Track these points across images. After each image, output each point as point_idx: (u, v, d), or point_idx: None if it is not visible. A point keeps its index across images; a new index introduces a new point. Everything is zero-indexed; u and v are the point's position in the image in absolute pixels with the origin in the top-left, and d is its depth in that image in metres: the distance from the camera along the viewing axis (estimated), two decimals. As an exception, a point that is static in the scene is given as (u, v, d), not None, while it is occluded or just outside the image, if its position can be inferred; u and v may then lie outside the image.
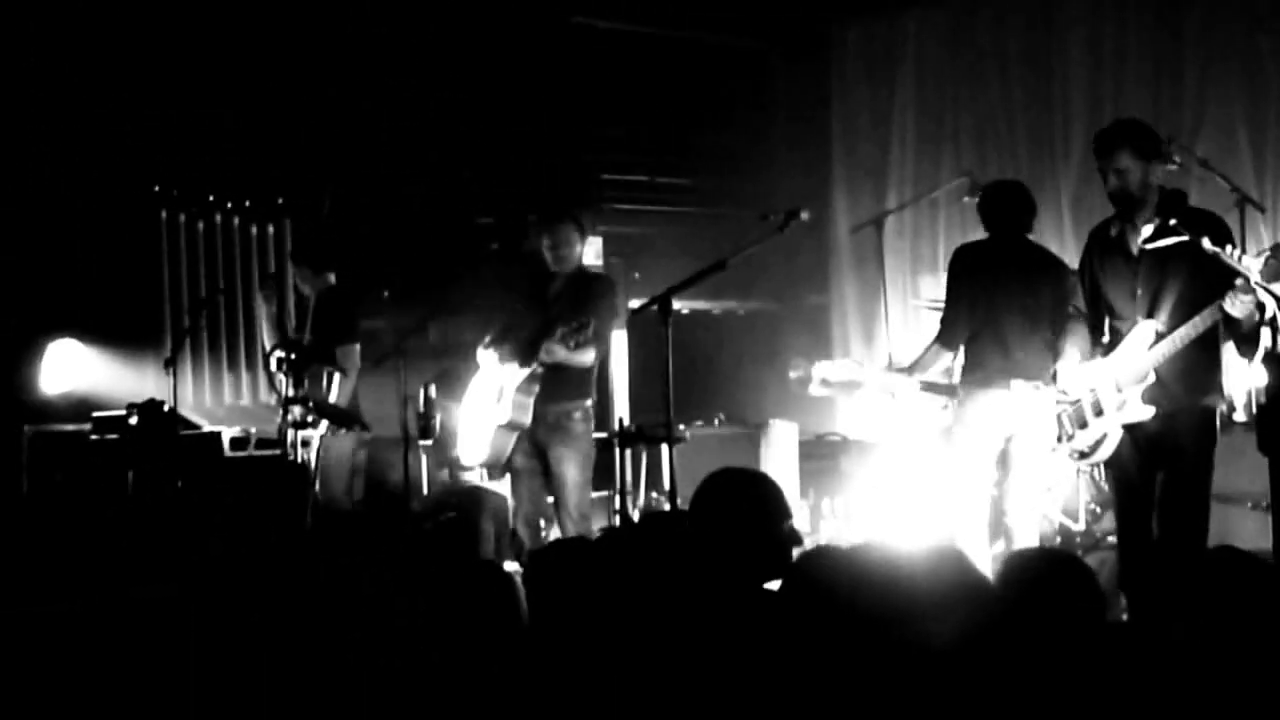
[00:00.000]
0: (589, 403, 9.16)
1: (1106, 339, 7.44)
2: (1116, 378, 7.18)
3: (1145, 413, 7.09)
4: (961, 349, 8.55)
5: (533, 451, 9.11)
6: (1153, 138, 7.29)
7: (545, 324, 8.97)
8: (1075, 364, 7.49)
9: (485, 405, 9.23)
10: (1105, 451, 7.31)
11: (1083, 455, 7.48)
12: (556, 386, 8.98)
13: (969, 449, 8.52)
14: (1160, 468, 7.11)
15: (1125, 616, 6.87)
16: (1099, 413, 7.28)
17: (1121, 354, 7.18)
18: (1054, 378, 7.66)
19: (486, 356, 9.39)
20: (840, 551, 3.76)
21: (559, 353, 8.79)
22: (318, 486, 9.56)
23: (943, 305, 8.84)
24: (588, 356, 8.94)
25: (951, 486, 8.94)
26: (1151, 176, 7.14)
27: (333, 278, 10.43)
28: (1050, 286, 8.55)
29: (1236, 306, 6.62)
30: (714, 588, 4.53)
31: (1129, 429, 7.19)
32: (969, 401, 8.48)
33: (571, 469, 9.01)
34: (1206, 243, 6.68)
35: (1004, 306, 8.48)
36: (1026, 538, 8.52)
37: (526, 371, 8.98)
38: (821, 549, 3.80)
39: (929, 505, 9.81)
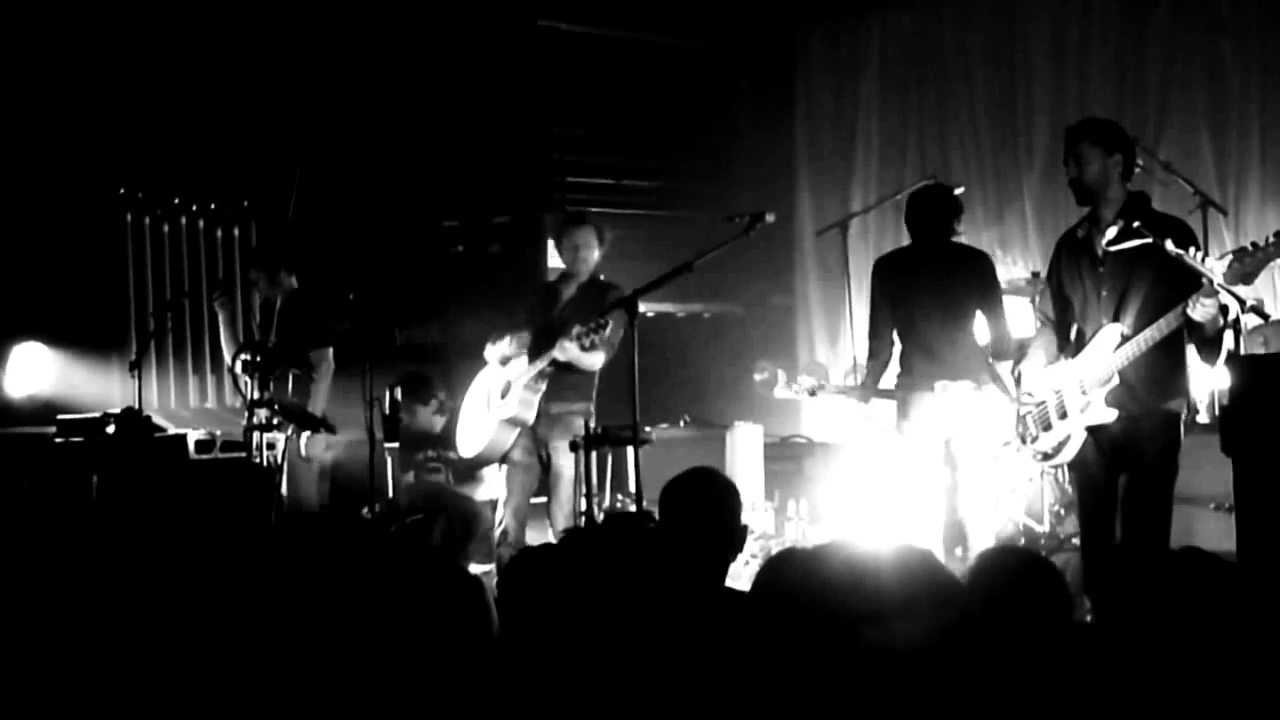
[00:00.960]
0: (591, 407, 9.29)
1: (1073, 341, 7.47)
2: (1081, 380, 7.18)
3: (1109, 415, 7.10)
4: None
5: (532, 447, 9.24)
6: (1117, 132, 7.34)
7: (558, 323, 9.08)
8: (1040, 366, 7.50)
9: (489, 399, 9.29)
10: (1069, 453, 7.31)
11: (1046, 457, 7.48)
12: (562, 387, 9.14)
13: (913, 453, 8.73)
14: (1123, 470, 7.11)
15: (1090, 618, 6.91)
16: (1063, 415, 7.28)
17: (1086, 356, 7.19)
18: (1018, 379, 7.67)
19: (493, 352, 9.49)
20: (806, 552, 3.77)
21: (572, 350, 8.88)
22: (284, 489, 9.55)
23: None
24: (597, 359, 9.06)
25: (903, 491, 9.03)
26: (1112, 171, 7.18)
27: (294, 281, 10.40)
28: (969, 281, 8.70)
29: (1199, 311, 6.64)
30: (679, 582, 4.69)
31: (1092, 431, 7.20)
32: (904, 406, 8.68)
33: (569, 464, 9.10)
34: (1170, 245, 6.70)
35: (922, 309, 8.69)
36: (982, 537, 8.60)
37: (536, 369, 9.10)
38: (787, 551, 3.81)
39: (893, 506, 9.85)
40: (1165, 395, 7.06)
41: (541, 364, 9.05)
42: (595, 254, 9.37)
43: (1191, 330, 6.82)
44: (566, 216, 9.82)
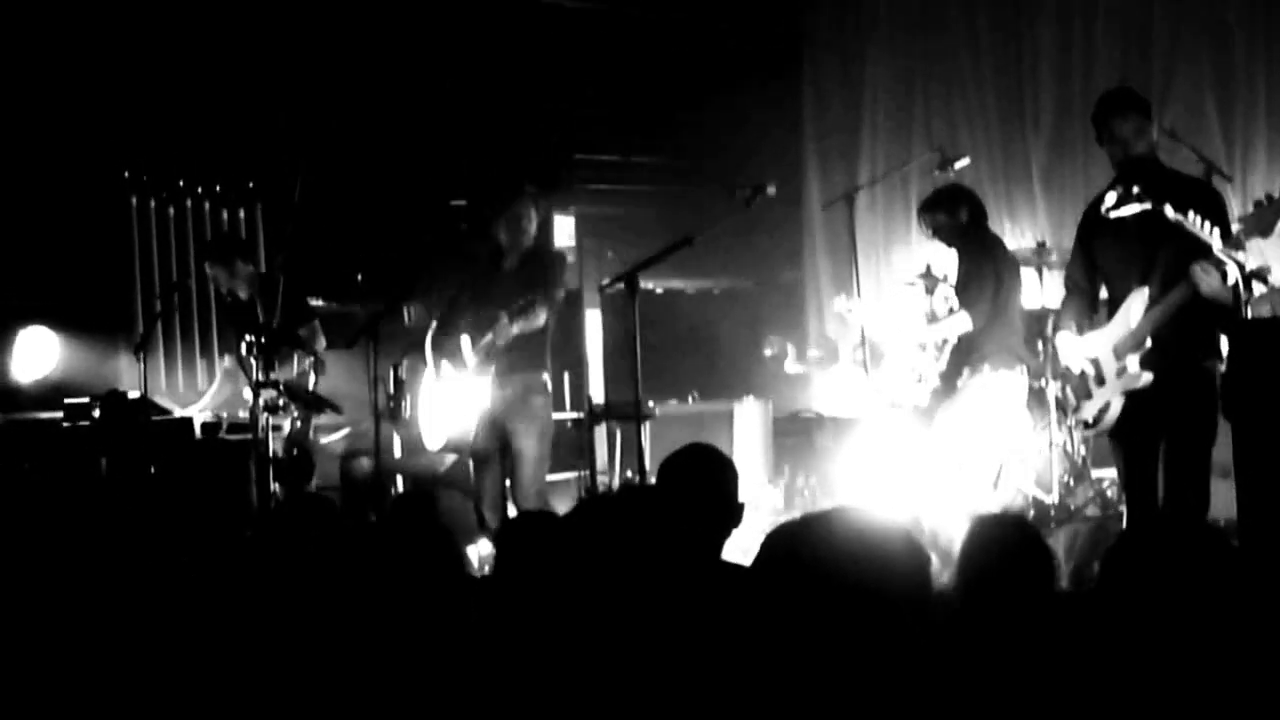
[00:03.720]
0: (545, 375, 9.15)
1: (1106, 308, 7.45)
2: (1115, 346, 7.17)
3: (1145, 378, 7.07)
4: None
5: (493, 433, 9.11)
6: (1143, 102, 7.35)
7: (495, 305, 8.97)
8: (1073, 336, 7.49)
9: (443, 389, 9.21)
10: (1109, 419, 7.29)
11: (1088, 425, 7.45)
12: (513, 360, 8.96)
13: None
14: (1163, 433, 7.09)
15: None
16: (1101, 381, 7.27)
17: (1118, 322, 7.18)
18: (1053, 351, 7.71)
19: (437, 343, 9.40)
20: (805, 519, 3.76)
21: (509, 332, 8.76)
22: (283, 471, 9.56)
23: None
24: (539, 319, 8.90)
25: (910, 463, 9.15)
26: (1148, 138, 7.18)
27: (251, 268, 10.42)
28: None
29: (1204, 282, 6.62)
30: (676, 555, 4.69)
31: (1130, 396, 7.18)
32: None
33: (530, 444, 9.00)
34: (1169, 210, 6.67)
35: None
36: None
37: (479, 359, 9.00)
38: (786, 523, 3.80)
39: (903, 480, 9.86)
40: (1199, 353, 7.02)
41: (482, 353, 8.97)
42: (531, 224, 9.24)
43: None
44: (502, 189, 9.70)
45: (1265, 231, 6.58)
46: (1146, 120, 7.18)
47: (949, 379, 9.20)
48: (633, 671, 4.00)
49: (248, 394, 9.62)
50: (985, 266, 9.12)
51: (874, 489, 10.10)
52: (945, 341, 9.37)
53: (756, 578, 3.63)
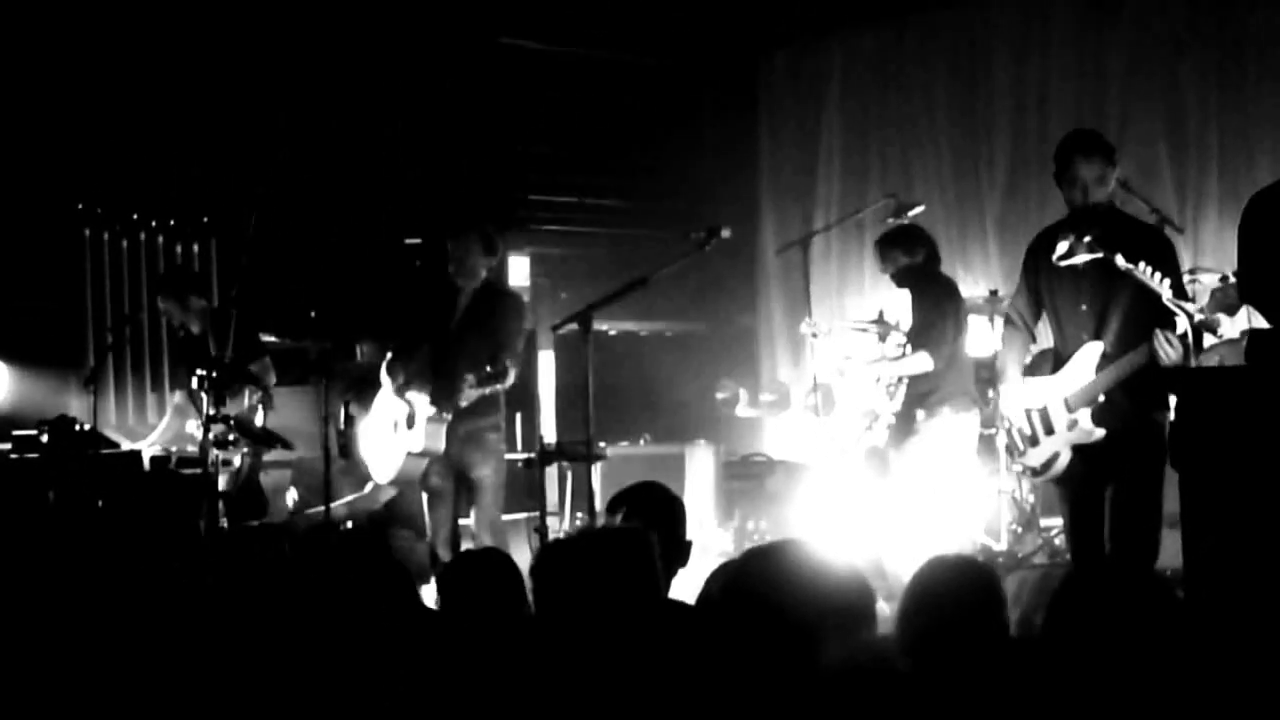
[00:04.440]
0: (499, 418, 9.14)
1: (1050, 351, 7.41)
2: (1065, 398, 7.15)
3: (1096, 434, 7.04)
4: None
5: (447, 470, 9.07)
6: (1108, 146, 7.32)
7: (453, 349, 8.95)
8: (1018, 380, 7.47)
9: (394, 427, 9.15)
10: (1058, 468, 7.24)
11: (1035, 473, 7.43)
12: (470, 407, 8.87)
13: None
14: (1110, 483, 7.08)
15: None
16: (1050, 430, 7.25)
17: (1069, 374, 7.12)
18: (997, 399, 7.68)
19: (390, 377, 9.29)
20: (750, 553, 3.78)
21: (474, 395, 8.71)
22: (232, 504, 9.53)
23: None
24: (508, 382, 8.86)
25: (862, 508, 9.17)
26: (1108, 184, 7.16)
27: (204, 302, 10.41)
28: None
29: (1164, 354, 6.62)
30: (623, 592, 4.69)
31: (1079, 448, 7.18)
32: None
33: (487, 474, 9.01)
34: (1120, 260, 6.69)
35: None
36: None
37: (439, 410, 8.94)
38: (738, 556, 3.83)
39: (853, 525, 9.87)
40: (1150, 407, 6.98)
41: (448, 411, 8.92)
42: (479, 261, 9.18)
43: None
44: (448, 227, 9.66)
45: (1229, 310, 6.61)
46: (1110, 166, 7.11)
47: (905, 419, 9.18)
48: (578, 709, 4.00)
49: (198, 429, 9.58)
50: (946, 307, 9.15)
51: (827, 532, 10.12)
52: (899, 381, 9.37)
53: (702, 609, 3.65)
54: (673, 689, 3.75)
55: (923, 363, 9.07)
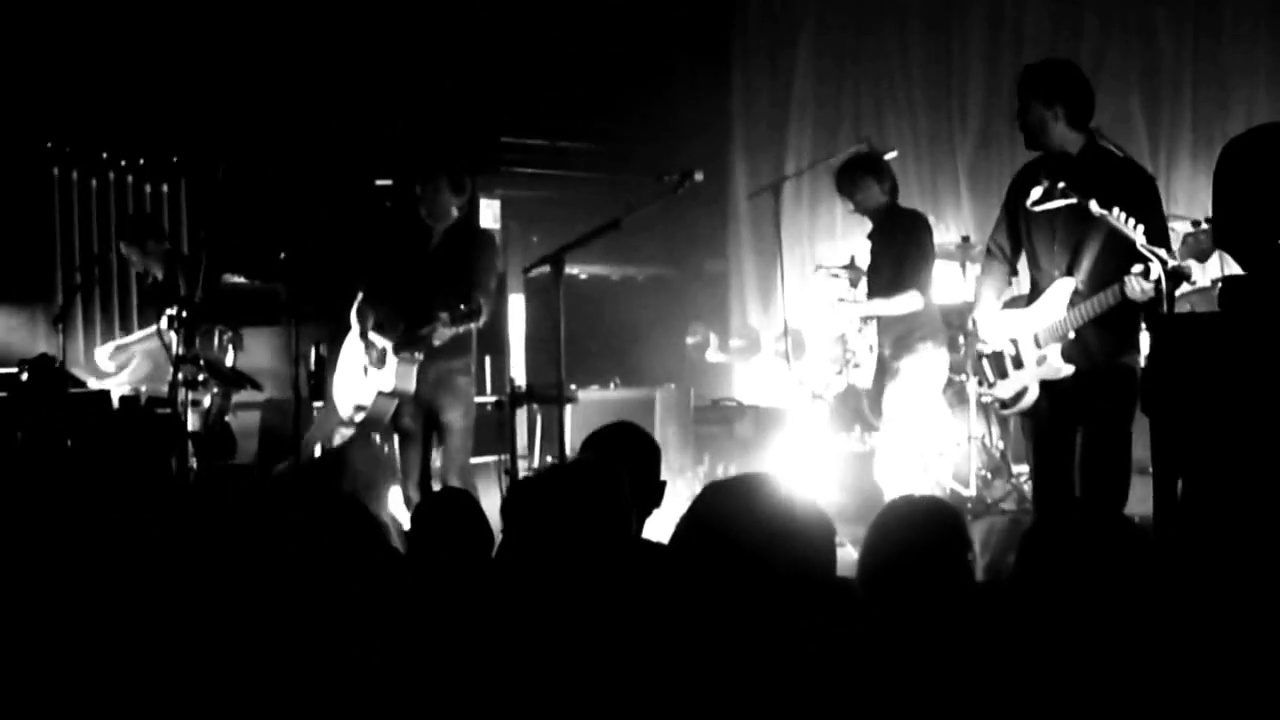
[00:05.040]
0: (470, 361, 9.10)
1: (1027, 287, 7.46)
2: (1036, 332, 7.18)
3: (1065, 370, 7.08)
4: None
5: (418, 412, 9.02)
6: (1057, 80, 7.29)
7: (424, 289, 8.88)
8: (993, 310, 7.49)
9: (364, 367, 9.11)
10: (1027, 402, 7.28)
11: (1004, 405, 7.45)
12: (440, 347, 8.81)
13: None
14: (1079, 424, 7.11)
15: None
16: (1019, 365, 7.28)
17: (1040, 308, 7.18)
18: (973, 326, 7.69)
19: (360, 319, 9.22)
20: (720, 485, 3.79)
21: (448, 334, 8.68)
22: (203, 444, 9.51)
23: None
24: (481, 321, 8.80)
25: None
26: (1050, 121, 7.13)
27: (166, 245, 10.40)
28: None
29: (1137, 291, 6.66)
30: (597, 532, 4.68)
31: (1047, 384, 7.21)
32: None
33: (456, 417, 8.97)
34: (1094, 205, 6.70)
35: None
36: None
37: (411, 349, 8.88)
38: (713, 483, 3.83)
39: (817, 468, 9.91)
40: (1120, 349, 7.04)
41: (418, 349, 8.88)
42: (449, 201, 9.12)
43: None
44: (416, 166, 9.59)
45: (1201, 257, 6.63)
46: (1052, 107, 7.16)
47: (894, 358, 9.12)
48: (552, 652, 4.00)
49: (168, 370, 9.55)
50: (926, 242, 9.19)
51: (794, 474, 10.14)
52: (869, 321, 9.35)
53: (674, 544, 3.65)
54: (640, 627, 3.75)
55: (913, 301, 9.04)
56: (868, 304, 9.30)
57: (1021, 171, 7.52)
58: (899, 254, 9.16)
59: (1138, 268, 6.63)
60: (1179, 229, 7.14)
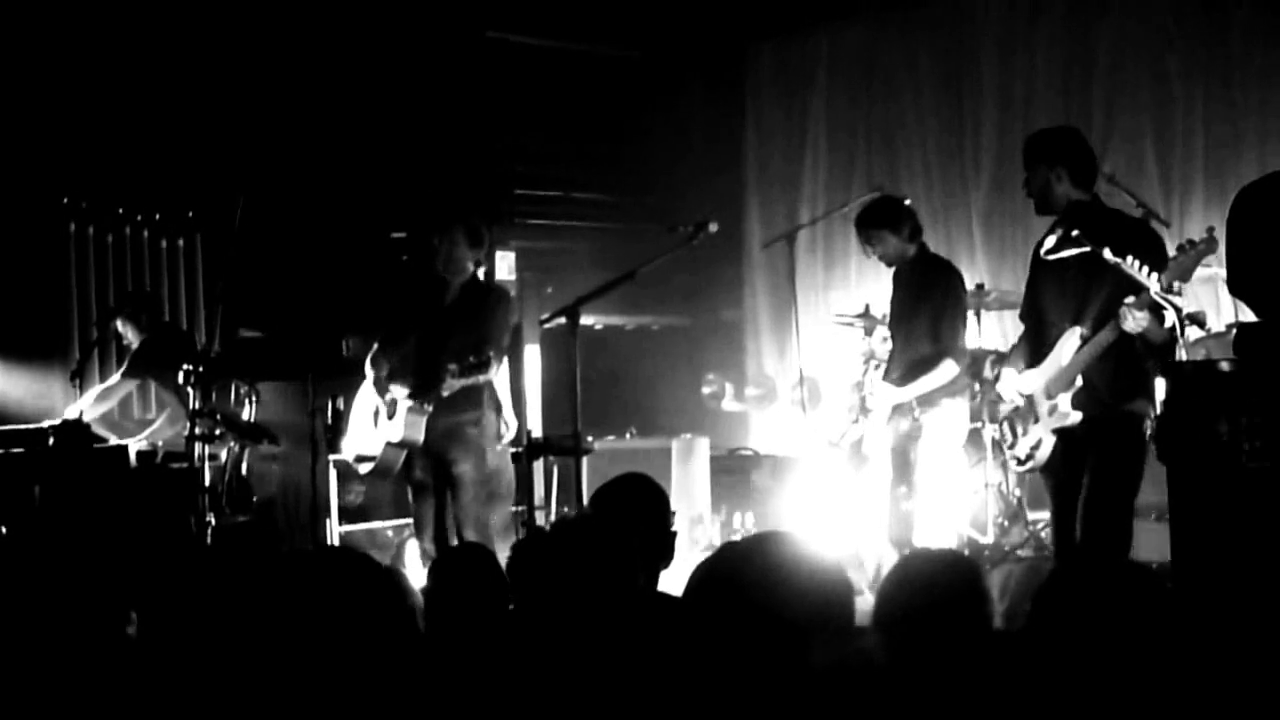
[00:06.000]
0: (481, 414, 8.90)
1: (1022, 345, 7.55)
2: (1046, 384, 7.23)
3: (1074, 417, 7.13)
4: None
5: (429, 464, 8.95)
6: (1057, 143, 7.41)
7: (437, 341, 8.86)
8: (1014, 374, 7.53)
9: (375, 419, 9.08)
10: (1041, 455, 7.33)
11: (1021, 462, 7.49)
12: (450, 400, 8.73)
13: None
14: (1085, 471, 7.14)
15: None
16: (1035, 419, 7.34)
17: (1051, 361, 7.25)
18: (995, 380, 7.73)
19: (374, 369, 9.16)
20: (740, 543, 3.79)
21: (456, 385, 8.60)
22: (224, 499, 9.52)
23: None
24: (491, 374, 8.75)
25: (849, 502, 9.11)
26: (1055, 183, 7.22)
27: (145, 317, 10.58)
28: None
29: (1130, 323, 6.69)
30: (610, 585, 4.67)
31: (1061, 434, 7.23)
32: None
33: (469, 471, 8.83)
34: (1107, 253, 6.73)
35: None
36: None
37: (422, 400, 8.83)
38: (726, 545, 3.83)
39: (838, 519, 9.88)
40: (1127, 396, 7.09)
41: (428, 401, 8.83)
42: (465, 254, 9.03)
43: (1139, 339, 6.85)
44: (433, 219, 9.56)
45: (1184, 276, 6.68)
46: (1054, 169, 7.26)
47: (920, 411, 8.93)
48: (568, 705, 3.99)
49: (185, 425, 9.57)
50: (959, 296, 8.94)
51: (811, 526, 10.12)
52: (877, 365, 9.31)
53: (688, 599, 3.64)
54: (652, 682, 3.75)
55: (950, 372, 8.72)
56: (906, 389, 8.79)
57: (1035, 250, 7.60)
58: (934, 315, 8.78)
59: (1130, 299, 6.67)
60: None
